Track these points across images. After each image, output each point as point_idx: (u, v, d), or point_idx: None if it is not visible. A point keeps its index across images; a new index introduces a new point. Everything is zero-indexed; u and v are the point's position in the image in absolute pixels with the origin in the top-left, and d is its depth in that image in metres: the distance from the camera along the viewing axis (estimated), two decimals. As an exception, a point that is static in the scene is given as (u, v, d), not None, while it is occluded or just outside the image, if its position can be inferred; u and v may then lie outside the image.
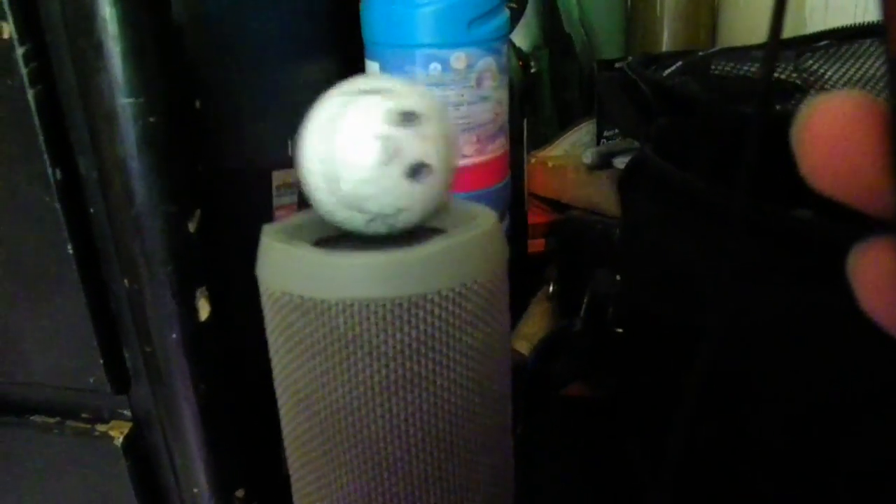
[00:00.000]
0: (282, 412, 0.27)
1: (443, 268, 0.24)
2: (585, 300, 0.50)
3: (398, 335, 0.24)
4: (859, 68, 0.55)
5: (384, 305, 0.23)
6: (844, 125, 0.15)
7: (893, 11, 0.14)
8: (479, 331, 0.25)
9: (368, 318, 0.24)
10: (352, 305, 0.23)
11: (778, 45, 0.27)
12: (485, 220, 0.26)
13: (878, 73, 0.51)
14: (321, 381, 0.25)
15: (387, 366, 0.24)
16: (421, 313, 0.24)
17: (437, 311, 0.24)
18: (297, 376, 0.25)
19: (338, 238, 0.27)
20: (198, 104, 0.40)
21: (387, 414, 0.25)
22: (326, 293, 0.24)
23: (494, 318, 0.26)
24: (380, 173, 0.24)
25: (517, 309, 0.65)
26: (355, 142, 0.24)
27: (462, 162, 0.54)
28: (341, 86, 0.25)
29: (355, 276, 0.23)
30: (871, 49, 0.55)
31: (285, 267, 0.25)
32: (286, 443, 0.28)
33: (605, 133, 0.78)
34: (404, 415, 0.25)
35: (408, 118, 0.24)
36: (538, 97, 0.91)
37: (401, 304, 0.24)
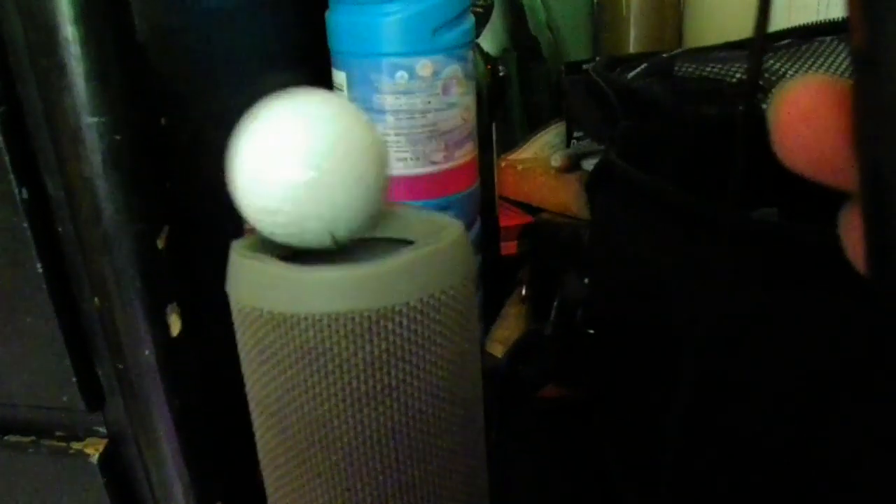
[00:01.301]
0: (255, 426, 0.28)
1: (410, 280, 0.24)
2: (555, 304, 0.51)
3: (367, 347, 0.24)
4: (820, 66, 0.56)
5: (353, 319, 0.24)
6: (812, 105, 0.16)
7: (855, 3, 0.14)
8: (448, 341, 0.26)
9: (337, 332, 0.24)
10: (320, 320, 0.24)
11: (762, 45, 0.28)
12: (451, 232, 0.26)
13: (840, 70, 0.52)
14: (292, 394, 0.25)
15: (357, 378, 0.24)
16: (389, 325, 0.24)
17: (405, 322, 0.24)
18: (268, 390, 0.26)
19: (306, 252, 0.27)
20: (163, 121, 0.40)
21: (358, 426, 0.25)
22: (295, 308, 0.24)
23: (463, 328, 0.26)
24: None
25: (491, 312, 0.66)
26: None
27: (431, 169, 0.54)
28: None
29: (323, 291, 0.24)
30: (832, 46, 0.56)
31: (254, 282, 0.25)
32: (260, 456, 0.28)
33: (575, 135, 0.78)
34: (375, 426, 0.25)
35: None
36: (507, 101, 0.91)
37: (369, 317, 0.24)
